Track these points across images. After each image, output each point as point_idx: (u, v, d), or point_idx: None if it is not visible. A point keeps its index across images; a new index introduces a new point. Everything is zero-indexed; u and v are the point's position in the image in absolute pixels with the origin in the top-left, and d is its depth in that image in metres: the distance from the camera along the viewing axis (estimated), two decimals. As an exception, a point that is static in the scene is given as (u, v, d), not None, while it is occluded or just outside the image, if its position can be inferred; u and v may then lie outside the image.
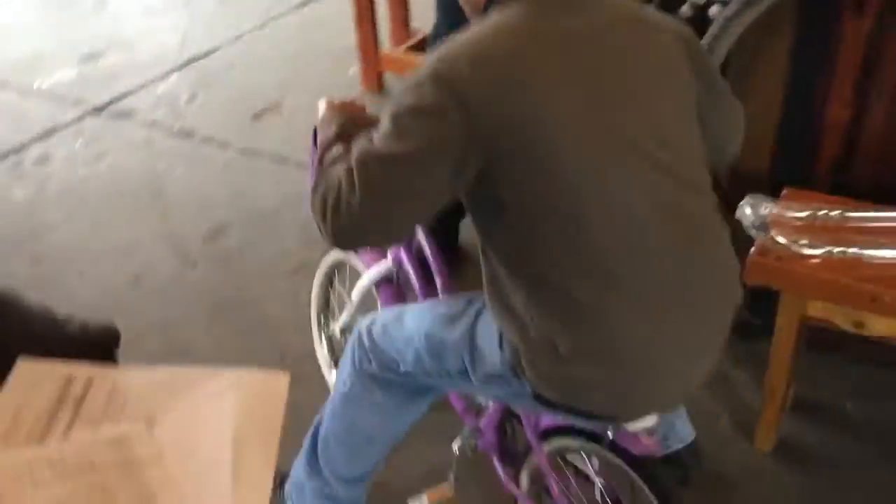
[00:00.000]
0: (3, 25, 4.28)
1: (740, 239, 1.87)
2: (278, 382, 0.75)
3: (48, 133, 3.35)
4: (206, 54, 3.95)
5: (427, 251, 1.68)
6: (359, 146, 1.21)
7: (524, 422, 1.55)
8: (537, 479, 1.60)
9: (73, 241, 2.76)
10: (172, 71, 3.80)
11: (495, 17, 1.23)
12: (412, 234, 1.34)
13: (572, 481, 1.57)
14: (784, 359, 1.86)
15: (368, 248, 1.48)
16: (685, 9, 2.81)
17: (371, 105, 1.62)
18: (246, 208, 2.86)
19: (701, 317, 1.28)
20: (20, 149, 3.26)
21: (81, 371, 0.75)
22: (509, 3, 1.23)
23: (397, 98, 1.19)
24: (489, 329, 1.31)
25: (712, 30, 1.95)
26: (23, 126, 3.39)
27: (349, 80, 3.55)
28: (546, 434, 1.51)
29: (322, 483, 1.62)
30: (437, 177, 1.17)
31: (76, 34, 4.15)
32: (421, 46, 3.26)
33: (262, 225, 2.79)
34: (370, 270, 1.81)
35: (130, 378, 0.75)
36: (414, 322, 1.44)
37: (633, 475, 1.44)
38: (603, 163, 1.18)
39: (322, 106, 1.49)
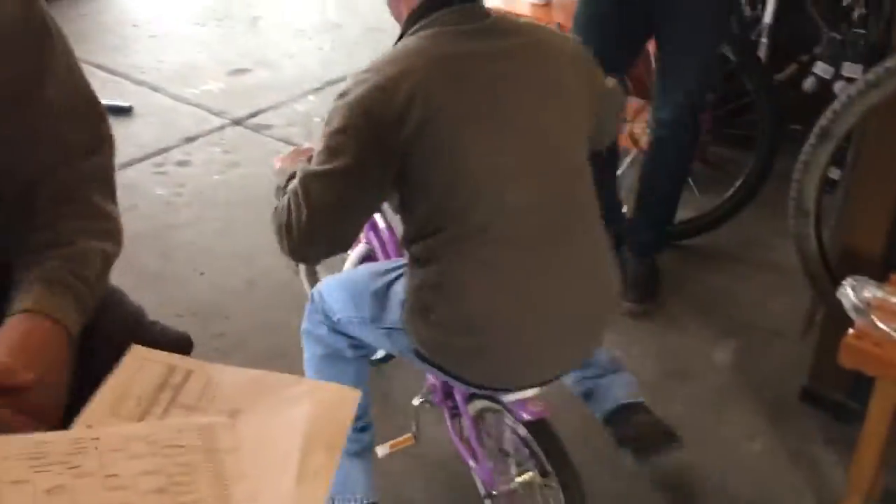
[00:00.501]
0: (164, 35, 4.64)
1: (838, 319, 1.84)
2: (349, 397, 0.83)
3: (191, 138, 3.61)
4: (345, 79, 4.15)
5: (385, 234, 1.98)
6: (300, 170, 1.44)
7: (453, 384, 1.72)
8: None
9: (200, 241, 2.96)
10: (311, 92, 4.01)
11: (409, 41, 1.43)
12: (356, 237, 1.54)
13: (494, 436, 1.78)
14: (874, 447, 1.80)
15: (325, 257, 1.62)
16: (809, 83, 2.79)
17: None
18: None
19: (569, 308, 1.48)
20: (165, 150, 3.52)
21: (184, 363, 0.85)
22: (426, 26, 1.43)
23: (328, 120, 1.40)
24: (400, 289, 1.54)
25: (834, 106, 1.93)
26: (170, 130, 3.66)
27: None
28: (472, 396, 1.74)
29: None
30: (366, 186, 1.39)
31: (228, 50, 4.45)
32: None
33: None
34: (353, 251, 2.06)
35: (224, 375, 0.85)
36: (351, 276, 1.75)
37: (528, 435, 1.63)
38: (491, 173, 1.39)
39: (276, 162, 1.71)
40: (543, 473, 1.68)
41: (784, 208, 2.13)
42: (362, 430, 1.82)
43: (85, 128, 1.06)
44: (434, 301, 1.45)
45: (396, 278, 1.57)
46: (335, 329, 1.71)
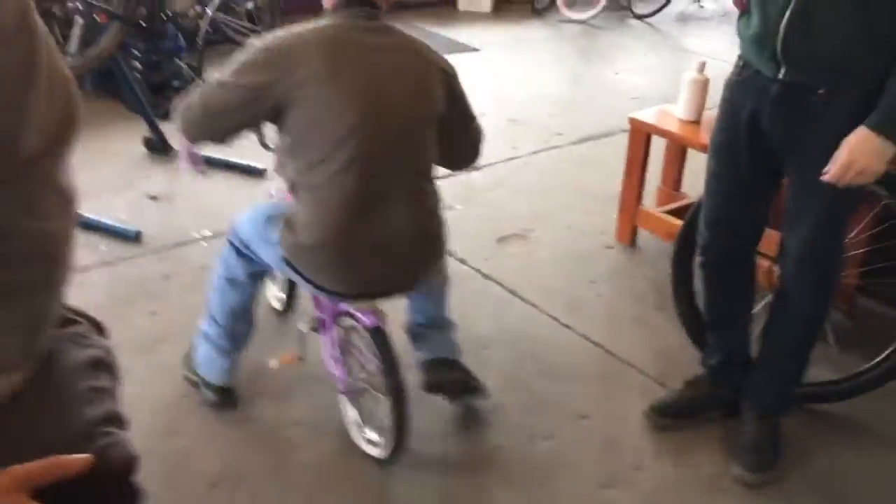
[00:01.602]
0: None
1: None
2: None
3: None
4: (478, 168, 4.05)
5: None
6: (212, 75, 2.04)
7: (326, 309, 2.25)
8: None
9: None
10: (443, 176, 3.91)
11: (321, 22, 1.98)
12: (230, 138, 2.06)
13: (353, 350, 2.26)
14: None
15: (206, 140, 2.14)
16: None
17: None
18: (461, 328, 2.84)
19: (396, 238, 2.01)
20: (286, 218, 3.52)
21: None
22: (334, 16, 1.98)
23: (247, 51, 1.97)
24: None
25: None
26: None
27: (603, 227, 3.47)
28: (338, 315, 2.23)
29: (209, 330, 2.35)
30: (246, 104, 1.96)
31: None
32: (681, 213, 3.10)
33: (468, 350, 2.75)
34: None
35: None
36: (259, 207, 2.26)
37: (371, 341, 2.11)
38: (354, 130, 1.91)
39: None
40: (382, 382, 2.12)
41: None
42: (239, 338, 2.36)
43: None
44: (298, 218, 2.00)
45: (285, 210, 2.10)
46: (240, 253, 2.22)
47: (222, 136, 2.07)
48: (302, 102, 1.90)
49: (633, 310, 3.02)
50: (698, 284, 2.56)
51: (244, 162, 3.82)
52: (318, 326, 2.34)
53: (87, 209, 3.33)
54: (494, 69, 5.53)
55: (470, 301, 2.99)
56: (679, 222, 3.00)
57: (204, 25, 4.67)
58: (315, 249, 1.99)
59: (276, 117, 1.97)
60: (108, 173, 3.80)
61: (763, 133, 2.07)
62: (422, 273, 2.15)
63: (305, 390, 2.52)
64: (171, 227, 3.43)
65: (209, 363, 2.39)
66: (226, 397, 2.41)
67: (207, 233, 3.37)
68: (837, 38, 1.88)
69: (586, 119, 4.66)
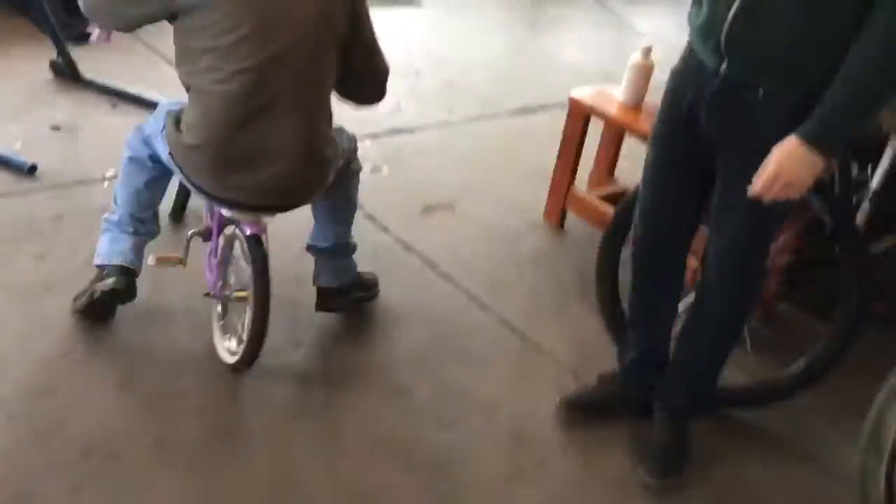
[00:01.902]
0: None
1: None
2: None
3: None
4: (410, 131, 3.90)
5: None
6: None
7: (213, 215, 2.30)
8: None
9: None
10: (371, 136, 3.75)
11: None
12: (128, 26, 2.15)
13: (231, 260, 2.32)
14: None
15: (109, 27, 2.29)
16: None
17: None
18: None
19: (280, 151, 2.07)
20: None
21: None
22: None
23: None
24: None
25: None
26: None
27: (531, 205, 3.36)
28: (224, 223, 2.26)
29: (114, 217, 2.37)
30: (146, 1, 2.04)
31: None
32: (614, 199, 3.01)
33: (378, 323, 2.62)
34: None
35: None
36: (168, 102, 2.36)
37: (246, 248, 2.17)
38: (245, 41, 1.96)
39: None
40: (251, 289, 2.16)
41: (855, 405, 1.83)
42: (144, 224, 2.36)
43: None
44: (187, 117, 2.08)
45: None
46: (143, 140, 2.29)
47: (127, 24, 2.15)
48: (197, 9, 1.96)
49: (554, 296, 2.93)
50: (623, 276, 2.48)
51: (161, 98, 3.56)
52: (206, 233, 2.36)
53: (-22, 135, 3.05)
54: (436, 28, 5.33)
55: (387, 272, 2.84)
56: (610, 208, 2.92)
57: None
58: (198, 150, 2.06)
59: (174, 19, 2.02)
60: (5, 97, 3.49)
61: (701, 127, 1.98)
62: (303, 191, 2.20)
63: (185, 322, 2.48)
64: (72, 162, 3.17)
65: (111, 245, 2.34)
66: (126, 280, 2.31)
67: (112, 172, 3.11)
68: (782, 34, 1.79)
69: (525, 90, 4.52)
